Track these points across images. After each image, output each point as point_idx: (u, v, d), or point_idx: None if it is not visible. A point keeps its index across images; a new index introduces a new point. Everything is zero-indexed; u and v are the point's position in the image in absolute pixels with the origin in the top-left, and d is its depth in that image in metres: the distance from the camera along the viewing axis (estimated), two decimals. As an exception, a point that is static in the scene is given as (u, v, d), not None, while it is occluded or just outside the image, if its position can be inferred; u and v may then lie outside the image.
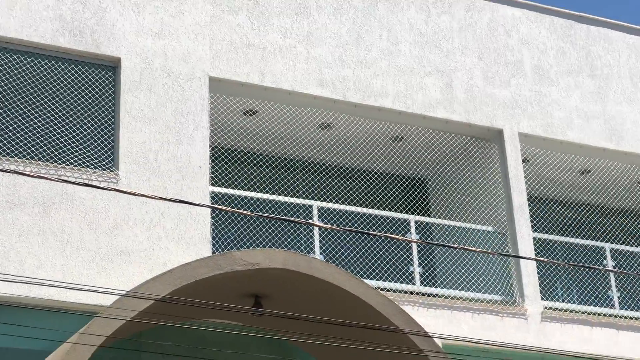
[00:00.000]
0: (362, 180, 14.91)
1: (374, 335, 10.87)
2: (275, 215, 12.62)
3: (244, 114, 13.62)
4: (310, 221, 12.83)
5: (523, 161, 14.69)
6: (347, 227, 12.74)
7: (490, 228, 14.11)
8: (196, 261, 10.72)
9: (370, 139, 14.42)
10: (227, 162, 13.80)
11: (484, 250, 12.94)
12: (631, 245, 15.47)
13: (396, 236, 10.27)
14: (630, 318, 14.30)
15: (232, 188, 13.22)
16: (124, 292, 10.11)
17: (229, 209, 8.77)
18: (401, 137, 14.40)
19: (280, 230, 12.84)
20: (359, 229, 12.98)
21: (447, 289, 13.57)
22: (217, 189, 12.67)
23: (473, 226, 14.09)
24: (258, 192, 13.61)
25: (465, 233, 14.04)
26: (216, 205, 11.26)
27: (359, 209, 13.49)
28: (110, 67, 12.50)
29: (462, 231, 14.06)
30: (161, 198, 8.48)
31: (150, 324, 10.50)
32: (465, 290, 13.54)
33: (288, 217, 12.83)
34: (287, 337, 11.36)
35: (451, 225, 14.11)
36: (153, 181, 12.04)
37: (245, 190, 13.38)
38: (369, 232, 10.24)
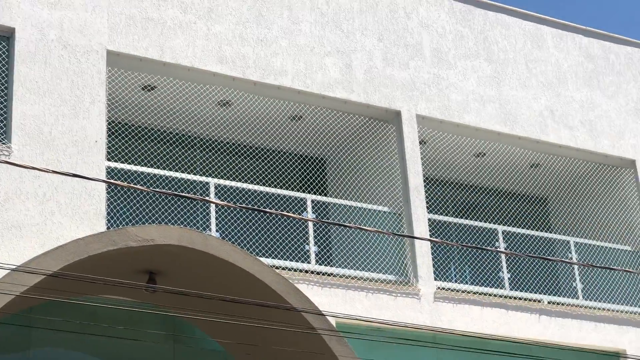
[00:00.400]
0: (260, 158, 14.91)
1: (269, 313, 10.92)
2: (172, 191, 12.54)
3: (143, 89, 13.48)
4: (206, 198, 12.78)
5: (420, 143, 14.87)
6: (244, 205, 12.73)
7: (386, 208, 14.26)
8: (90, 236, 10.60)
9: (269, 118, 14.42)
10: (124, 137, 13.65)
11: (379, 230, 13.05)
12: (522, 228, 15.79)
13: (292, 215, 10.29)
14: (520, 299, 14.61)
15: (129, 163, 13.08)
16: (14, 267, 9.94)
17: (124, 184, 8.67)
18: (300, 116, 14.43)
19: (177, 207, 12.76)
20: (255, 207, 12.98)
21: (342, 268, 13.67)
22: (113, 164, 12.52)
23: (369, 206, 14.22)
24: (155, 168, 13.50)
25: (361, 213, 14.16)
26: (111, 180, 11.12)
27: (256, 187, 13.49)
28: (4, 38, 12.22)
29: (358, 211, 14.17)
30: (54, 171, 8.34)
31: (41, 299, 10.35)
32: (360, 270, 13.67)
33: (185, 194, 12.75)
34: (180, 314, 11.32)
35: (347, 205, 14.21)
36: (47, 154, 11.83)
37: (142, 166, 13.25)
38: (266, 210, 10.24)
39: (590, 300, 15.25)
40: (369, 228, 11.47)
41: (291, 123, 14.61)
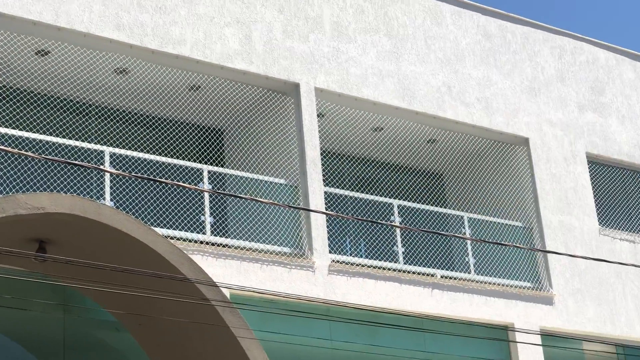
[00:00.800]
0: (157, 128, 14.74)
1: (162, 284, 10.82)
2: (65, 159, 12.31)
3: (36, 54, 13.17)
4: (100, 167, 12.60)
5: (318, 116, 14.88)
6: (139, 175, 12.57)
7: (282, 181, 14.24)
8: (-23, 203, 10.34)
9: (167, 87, 14.25)
10: (16, 103, 13.34)
11: (275, 202, 13.05)
12: (418, 202, 15.93)
13: (188, 185, 10.21)
14: (413, 273, 14.78)
15: (20, 129, 12.79)
16: None
17: (14, 150, 8.47)
18: (198, 86, 14.30)
19: (70, 175, 12.54)
20: (151, 177, 12.85)
21: (237, 239, 13.64)
22: (3, 130, 12.23)
23: (266, 178, 14.19)
24: (48, 135, 13.23)
25: (258, 185, 14.13)
26: (1, 147, 10.87)
27: (152, 157, 13.34)
28: None
29: (254, 183, 14.14)
30: (-61, 136, 8.12)
31: None
32: (255, 242, 13.64)
33: (79, 162, 12.53)
34: (70, 283, 11.16)
35: (244, 177, 14.15)
36: None
37: (35, 132, 12.98)
38: (161, 180, 10.15)
39: (482, 274, 15.50)
40: (264, 200, 11.47)
41: (189, 93, 14.47)
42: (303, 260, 13.72)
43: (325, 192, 14.48)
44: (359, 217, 14.04)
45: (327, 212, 13.76)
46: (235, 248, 13.35)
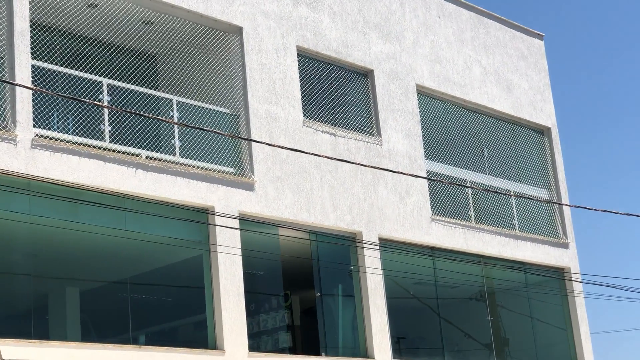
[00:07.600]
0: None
1: None
2: None
3: None
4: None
5: (29, -14, 14.50)
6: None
7: (-13, 51, 13.85)
8: None
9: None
10: None
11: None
12: (128, 83, 15.89)
13: None
14: (119, 152, 14.87)
15: None
16: None
17: None
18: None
19: None
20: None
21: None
22: None
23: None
24: None
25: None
26: None
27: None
28: None
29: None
30: None
31: None
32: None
33: None
34: None
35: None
36: None
37: None
38: None
39: (186, 157, 15.80)
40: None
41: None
42: (5, 132, 13.51)
43: (33, 66, 14.23)
44: (65, 95, 13.93)
45: (30, 86, 13.54)
46: None
